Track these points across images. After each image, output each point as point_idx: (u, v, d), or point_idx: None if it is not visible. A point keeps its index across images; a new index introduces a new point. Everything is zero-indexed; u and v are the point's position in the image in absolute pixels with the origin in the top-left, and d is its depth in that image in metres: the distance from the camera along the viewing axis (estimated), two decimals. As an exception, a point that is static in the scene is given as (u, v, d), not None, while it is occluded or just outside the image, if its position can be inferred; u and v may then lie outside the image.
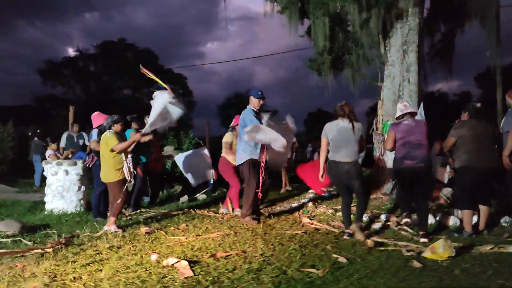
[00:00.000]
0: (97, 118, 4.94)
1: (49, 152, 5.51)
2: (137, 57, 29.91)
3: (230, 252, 3.25)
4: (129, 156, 4.62)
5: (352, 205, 3.95)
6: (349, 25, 7.12)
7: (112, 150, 4.33)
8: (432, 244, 3.23)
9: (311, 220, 4.68)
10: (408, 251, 3.32)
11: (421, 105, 5.93)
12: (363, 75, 7.58)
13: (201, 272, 2.78)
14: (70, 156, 5.68)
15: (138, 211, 5.58)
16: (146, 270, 2.80)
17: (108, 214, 4.51)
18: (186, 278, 2.63)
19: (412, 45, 6.28)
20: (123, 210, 5.60)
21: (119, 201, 4.34)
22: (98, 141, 4.62)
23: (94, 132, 5.00)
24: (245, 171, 4.63)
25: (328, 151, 3.88)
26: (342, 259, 3.12)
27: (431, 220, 4.39)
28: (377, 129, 6.59)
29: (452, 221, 4.33)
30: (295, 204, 6.11)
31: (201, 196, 7.16)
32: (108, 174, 4.41)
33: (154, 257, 3.08)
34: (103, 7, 55.78)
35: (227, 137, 5.48)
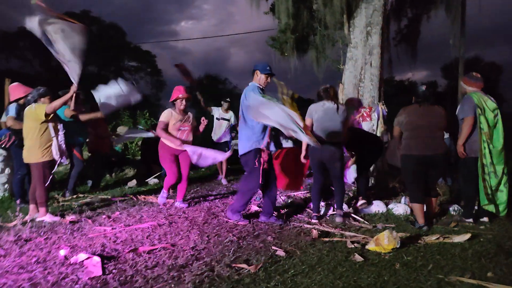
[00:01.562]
0: (16, 91, 4.29)
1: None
2: (103, 32, 28.18)
3: (156, 246, 2.88)
4: (60, 132, 4.07)
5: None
6: (315, 2, 6.75)
7: (46, 119, 3.77)
8: (377, 235, 3.03)
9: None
10: (353, 242, 3.10)
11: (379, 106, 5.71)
12: (327, 57, 7.29)
13: (113, 271, 2.41)
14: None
15: (74, 196, 5.07)
16: (45, 269, 2.38)
17: (29, 202, 3.95)
18: (91, 278, 2.25)
19: (376, 27, 6.02)
20: (56, 195, 5.09)
21: (42, 187, 3.82)
22: (16, 118, 4.01)
23: (11, 107, 4.31)
24: (250, 163, 3.72)
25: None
26: (280, 252, 2.85)
27: (382, 208, 4.24)
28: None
29: (403, 210, 4.19)
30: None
31: (152, 180, 6.70)
32: (32, 154, 3.84)
33: (63, 252, 2.66)
34: (67, -24, 51.77)
35: (164, 116, 4.54)
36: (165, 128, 4.47)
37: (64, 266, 2.45)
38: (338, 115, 3.83)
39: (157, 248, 2.84)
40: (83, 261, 2.48)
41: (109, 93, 4.44)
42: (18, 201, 4.44)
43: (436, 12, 7.84)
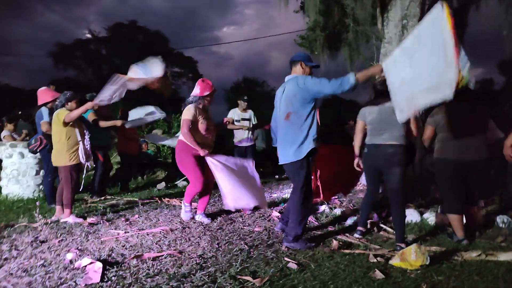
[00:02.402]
0: (44, 95, 4.45)
1: (4, 133, 5.15)
2: (148, 39, 29.62)
3: (162, 253, 2.79)
4: (86, 136, 4.19)
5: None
6: (345, -3, 6.38)
7: (65, 124, 3.90)
8: (403, 249, 2.68)
9: (281, 213, 4.17)
10: (376, 256, 2.78)
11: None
12: (360, 54, 6.87)
13: (113, 277, 2.34)
14: (28, 137, 5.28)
15: (102, 198, 5.21)
16: (47, 273, 2.38)
17: (56, 204, 4.09)
18: (88, 285, 2.20)
19: (413, 19, 5.52)
20: (86, 197, 5.26)
21: (68, 190, 3.94)
22: (50, 123, 4.17)
23: (44, 111, 4.43)
24: (303, 171, 2.97)
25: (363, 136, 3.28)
26: (292, 265, 2.61)
27: (415, 218, 3.82)
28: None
29: (441, 219, 3.73)
30: (275, 195, 5.62)
31: (181, 183, 6.75)
32: (59, 157, 3.98)
33: (70, 255, 2.66)
34: (118, -10, 55.40)
35: (190, 113, 3.69)
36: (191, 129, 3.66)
37: (67, 270, 2.43)
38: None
39: (163, 255, 2.75)
40: (85, 266, 2.45)
41: (141, 113, 4.59)
42: (49, 201, 4.63)
43: (487, 0, 7.08)
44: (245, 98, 6.29)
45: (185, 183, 6.73)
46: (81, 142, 4.03)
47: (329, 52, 7.22)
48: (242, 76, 33.04)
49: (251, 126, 6.26)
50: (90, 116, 4.95)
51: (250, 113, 6.34)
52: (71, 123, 3.93)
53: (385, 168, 3.12)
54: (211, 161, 3.66)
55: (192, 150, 3.76)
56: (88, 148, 4.14)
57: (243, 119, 6.24)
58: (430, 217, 3.78)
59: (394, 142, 3.08)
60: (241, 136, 6.22)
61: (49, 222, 3.73)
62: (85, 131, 4.17)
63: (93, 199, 5.13)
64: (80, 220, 3.88)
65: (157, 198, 5.16)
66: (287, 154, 3.00)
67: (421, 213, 3.89)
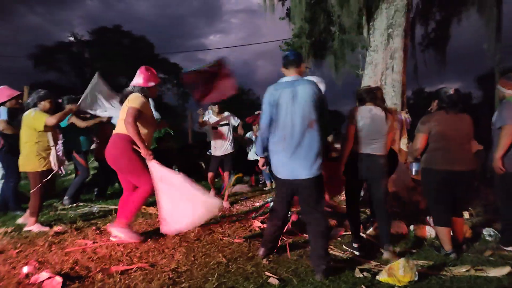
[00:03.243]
0: (1, 94, 4.16)
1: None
2: (133, 44, 29.21)
3: (132, 266, 2.55)
4: (60, 141, 3.92)
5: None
6: (332, 5, 6.37)
7: (45, 129, 3.61)
8: (390, 264, 2.54)
9: (264, 224, 3.97)
10: (362, 270, 2.62)
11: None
12: (346, 62, 6.85)
13: (73, 294, 2.09)
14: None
15: (74, 205, 4.88)
16: (-3, 289, 2.11)
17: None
18: (43, 304, 1.94)
19: (398, 29, 5.55)
20: (56, 203, 4.93)
21: (36, 197, 3.63)
22: (8, 122, 3.87)
23: (2, 110, 4.13)
24: (320, 190, 2.70)
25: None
26: (273, 280, 2.42)
27: (401, 230, 3.70)
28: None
29: (428, 231, 3.63)
30: (259, 204, 5.42)
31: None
32: (28, 162, 3.66)
33: (26, 269, 2.38)
34: (104, -6, 54.81)
35: (137, 101, 3.16)
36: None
37: (20, 286, 2.16)
38: (386, 126, 2.99)
39: (132, 269, 2.51)
40: (43, 281, 2.19)
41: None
42: (13, 208, 4.28)
43: (468, 14, 7.22)
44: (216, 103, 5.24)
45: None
46: (53, 148, 3.74)
47: (314, 60, 7.18)
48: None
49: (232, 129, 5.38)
50: (72, 120, 4.69)
51: (227, 115, 5.35)
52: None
53: (374, 178, 2.99)
54: (155, 167, 3.07)
55: (132, 146, 3.08)
56: (61, 154, 3.86)
57: (221, 125, 5.32)
58: (417, 229, 3.67)
59: (383, 153, 3.01)
60: (222, 145, 5.29)
61: (9, 231, 3.41)
62: (59, 135, 3.90)
63: (64, 205, 4.80)
64: (46, 228, 3.57)
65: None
66: (310, 167, 2.58)
67: (408, 225, 3.78)
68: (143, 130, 3.18)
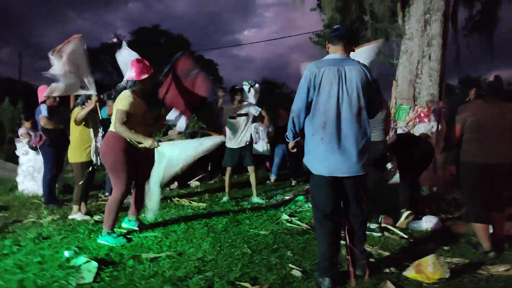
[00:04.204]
0: (41, 93, 4.52)
1: (21, 131, 5.26)
2: (170, 43, 30.18)
3: (160, 254, 2.68)
4: (99, 135, 4.19)
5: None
6: (363, -7, 6.14)
7: (76, 123, 3.91)
8: (419, 260, 2.45)
9: (292, 217, 3.98)
10: (389, 266, 2.55)
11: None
12: (381, 52, 6.58)
13: (106, 278, 2.26)
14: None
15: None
16: (42, 270, 2.32)
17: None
18: (79, 285, 2.12)
19: (436, 13, 5.23)
20: (99, 194, 5.27)
21: (78, 186, 3.94)
22: (48, 118, 4.21)
23: (43, 107, 4.49)
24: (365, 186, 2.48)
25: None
26: (296, 272, 2.44)
27: (436, 225, 3.53)
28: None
29: (464, 228, 3.43)
30: (288, 197, 5.43)
31: (194, 183, 6.68)
32: (73, 154, 4.01)
33: (67, 253, 2.60)
34: (144, -3, 56.94)
35: (124, 101, 3.09)
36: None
37: (61, 268, 2.37)
38: (382, 114, 3.01)
39: (161, 256, 2.64)
40: (80, 265, 2.38)
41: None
42: (46, 201, 4.55)
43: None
44: (236, 87, 4.98)
45: (197, 183, 6.66)
46: (93, 140, 4.03)
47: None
48: (261, 78, 32.98)
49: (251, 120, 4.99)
50: (108, 110, 4.93)
51: (246, 104, 4.97)
52: (84, 122, 3.94)
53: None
54: (166, 147, 3.04)
55: (122, 146, 3.04)
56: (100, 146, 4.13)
57: (239, 115, 4.92)
58: (452, 225, 3.49)
59: (382, 138, 3.28)
60: (238, 137, 4.91)
61: (56, 219, 3.72)
62: (99, 129, 4.17)
63: (106, 196, 5.13)
64: (87, 217, 3.86)
65: (167, 198, 5.10)
66: (360, 163, 2.22)
67: (443, 220, 3.60)
68: (137, 127, 3.09)
